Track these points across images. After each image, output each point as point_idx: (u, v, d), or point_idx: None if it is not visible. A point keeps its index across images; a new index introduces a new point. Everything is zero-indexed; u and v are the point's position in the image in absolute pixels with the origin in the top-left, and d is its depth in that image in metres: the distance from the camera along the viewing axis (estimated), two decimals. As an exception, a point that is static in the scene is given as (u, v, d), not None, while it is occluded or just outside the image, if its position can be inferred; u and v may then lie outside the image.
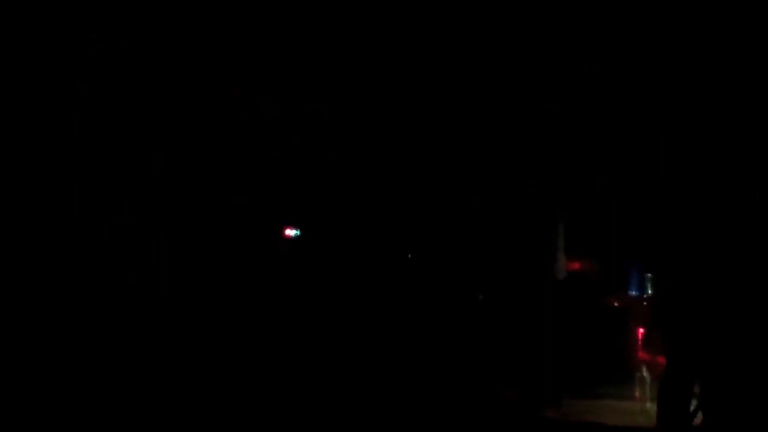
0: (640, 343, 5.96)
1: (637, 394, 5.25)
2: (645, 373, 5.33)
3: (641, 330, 5.99)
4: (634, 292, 6.27)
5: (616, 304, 6.31)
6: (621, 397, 5.39)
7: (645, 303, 6.16)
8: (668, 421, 4.35)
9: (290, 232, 6.38)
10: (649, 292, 6.16)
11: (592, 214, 6.28)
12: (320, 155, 6.66)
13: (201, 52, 5.77)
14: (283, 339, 5.52)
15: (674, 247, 5.23)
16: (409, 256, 6.43)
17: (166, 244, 5.83)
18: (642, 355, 5.87)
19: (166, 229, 5.80)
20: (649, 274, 6.16)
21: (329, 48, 6.35)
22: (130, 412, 4.36)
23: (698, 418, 4.31)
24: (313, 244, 6.19)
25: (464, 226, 6.54)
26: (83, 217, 5.25)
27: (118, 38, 5.32)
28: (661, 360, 5.65)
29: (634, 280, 6.28)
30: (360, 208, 6.30)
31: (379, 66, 6.67)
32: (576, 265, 6.07)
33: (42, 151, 5.16)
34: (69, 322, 4.93)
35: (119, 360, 4.78)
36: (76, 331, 4.94)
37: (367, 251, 6.22)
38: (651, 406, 4.91)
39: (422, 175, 6.76)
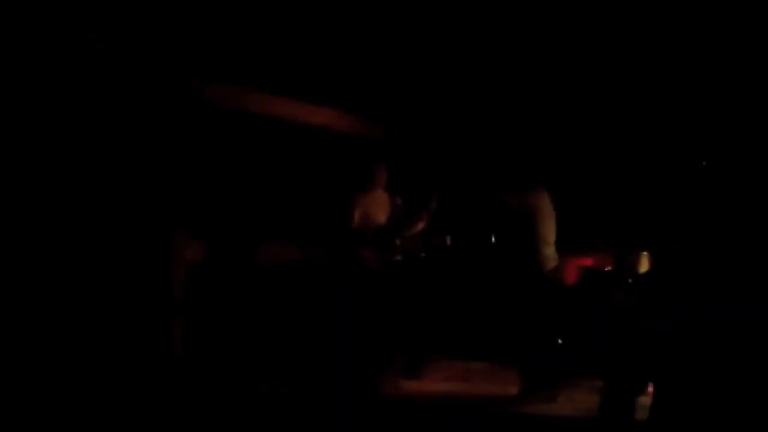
0: None
1: (649, 389, 5.24)
2: None
3: None
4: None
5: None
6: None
7: None
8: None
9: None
10: None
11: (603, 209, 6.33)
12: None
13: (201, 53, 5.79)
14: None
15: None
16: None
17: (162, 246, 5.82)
18: None
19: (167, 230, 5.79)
20: None
21: (330, 50, 6.36)
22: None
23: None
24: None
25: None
26: (82, 217, 5.23)
27: (118, 38, 5.31)
28: None
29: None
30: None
31: (377, 64, 6.70)
32: (588, 261, 6.06)
33: (41, 151, 5.15)
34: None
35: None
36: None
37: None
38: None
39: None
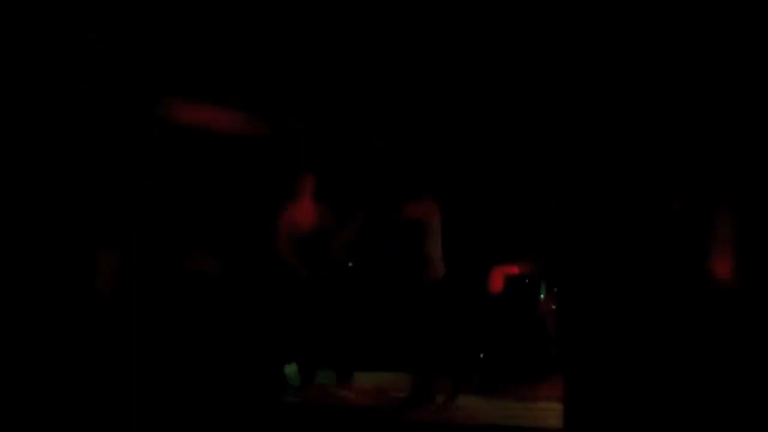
0: None
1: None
2: None
3: None
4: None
5: (553, 306, 6.30)
6: (558, 399, 5.21)
7: None
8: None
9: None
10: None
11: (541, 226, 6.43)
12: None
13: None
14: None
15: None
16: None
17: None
18: None
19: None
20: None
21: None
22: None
23: None
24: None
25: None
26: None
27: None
28: None
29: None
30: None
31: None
32: (514, 269, 6.17)
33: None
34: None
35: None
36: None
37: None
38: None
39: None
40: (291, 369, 6.30)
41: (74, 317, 5.00)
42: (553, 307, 6.25)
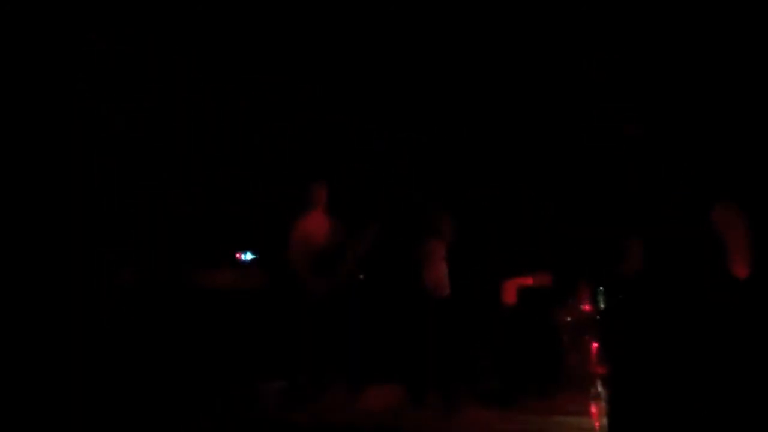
0: (593, 357, 5.90)
1: (592, 409, 5.22)
2: (600, 388, 5.32)
3: (595, 344, 5.95)
4: (586, 306, 6.23)
5: (568, 318, 6.26)
6: (575, 413, 5.25)
7: (598, 317, 6.05)
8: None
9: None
10: (602, 306, 6.14)
11: (542, 229, 6.44)
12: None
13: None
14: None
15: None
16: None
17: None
18: (596, 369, 5.81)
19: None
20: (601, 288, 6.17)
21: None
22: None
23: None
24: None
25: None
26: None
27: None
28: None
29: (586, 293, 6.26)
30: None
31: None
32: (528, 281, 6.16)
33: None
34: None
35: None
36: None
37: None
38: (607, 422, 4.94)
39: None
40: None
41: (74, 317, 5.00)
42: (568, 319, 6.21)
